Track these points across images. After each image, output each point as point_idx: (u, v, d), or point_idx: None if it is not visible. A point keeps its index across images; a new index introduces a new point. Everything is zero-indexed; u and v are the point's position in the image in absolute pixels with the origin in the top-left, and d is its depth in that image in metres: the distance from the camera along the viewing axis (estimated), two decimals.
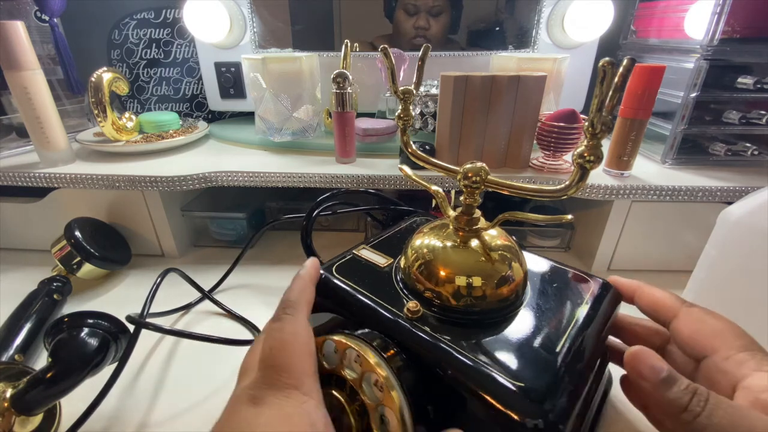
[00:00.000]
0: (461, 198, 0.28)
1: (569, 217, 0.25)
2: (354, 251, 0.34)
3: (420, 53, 0.29)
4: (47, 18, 0.61)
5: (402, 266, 0.30)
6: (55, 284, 0.45)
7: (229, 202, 0.61)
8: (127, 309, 0.36)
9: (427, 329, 0.25)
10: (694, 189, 0.46)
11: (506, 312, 0.27)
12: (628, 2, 0.62)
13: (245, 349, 0.26)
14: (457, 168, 0.28)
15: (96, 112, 0.55)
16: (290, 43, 0.67)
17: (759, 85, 0.47)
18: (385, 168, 0.52)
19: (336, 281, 0.30)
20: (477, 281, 0.26)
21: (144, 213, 0.54)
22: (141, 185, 0.50)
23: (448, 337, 0.24)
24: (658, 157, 0.54)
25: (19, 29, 0.46)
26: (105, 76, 0.54)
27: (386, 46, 0.30)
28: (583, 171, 0.22)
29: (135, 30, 0.72)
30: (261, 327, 0.35)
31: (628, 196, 0.47)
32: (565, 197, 0.24)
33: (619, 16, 0.60)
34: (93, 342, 0.30)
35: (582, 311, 0.27)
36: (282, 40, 0.67)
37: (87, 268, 0.48)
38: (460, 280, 0.26)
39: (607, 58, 0.20)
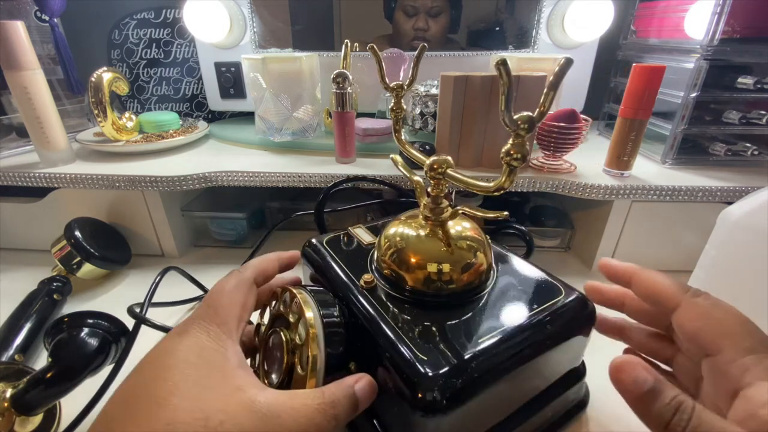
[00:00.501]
0: (429, 189, 0.30)
1: (505, 213, 0.26)
2: (350, 228, 0.37)
3: (416, 52, 0.32)
4: (47, 18, 0.61)
5: (376, 245, 0.33)
6: (55, 284, 0.45)
7: (229, 202, 0.61)
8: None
9: (372, 299, 0.28)
10: (694, 189, 0.46)
11: (455, 300, 0.28)
12: (628, 2, 0.62)
13: None
14: (425, 159, 0.30)
15: (96, 112, 0.55)
16: (290, 43, 0.67)
17: (759, 85, 0.47)
18: (385, 168, 0.52)
19: (321, 249, 0.35)
20: (432, 267, 0.28)
21: (144, 213, 0.54)
22: (141, 185, 0.50)
23: (385, 309, 0.27)
24: (658, 157, 0.54)
25: (19, 29, 0.46)
26: (105, 76, 0.54)
27: (373, 45, 0.32)
28: (511, 168, 0.24)
29: (135, 30, 0.72)
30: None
31: (628, 196, 0.47)
32: (497, 193, 0.25)
33: (619, 16, 0.60)
34: (93, 342, 0.30)
35: (532, 317, 0.27)
36: (282, 40, 0.67)
37: (87, 268, 0.48)
38: (417, 264, 0.28)
39: (499, 58, 0.21)
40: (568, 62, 0.21)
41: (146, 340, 0.40)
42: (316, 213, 0.47)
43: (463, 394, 0.23)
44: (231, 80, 0.68)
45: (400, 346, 0.24)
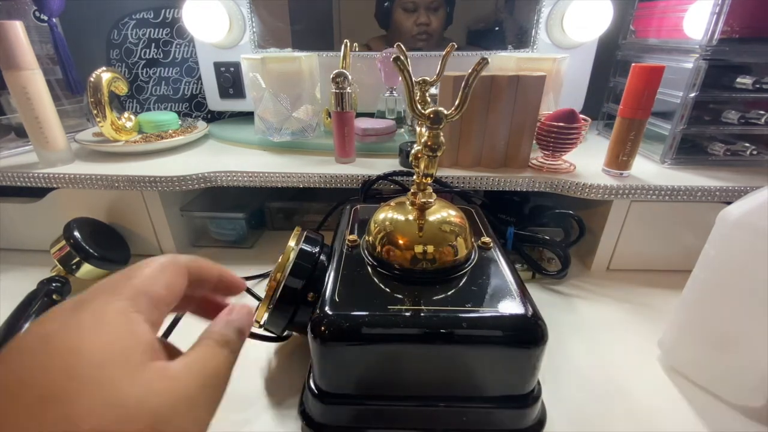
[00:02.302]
0: (414, 177, 0.33)
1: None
2: (383, 204, 0.40)
3: (444, 51, 0.38)
4: (46, 18, 0.61)
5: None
6: (54, 284, 0.45)
7: (229, 202, 0.61)
8: None
9: (345, 253, 0.35)
10: (693, 189, 0.46)
11: (409, 274, 0.31)
12: (627, 2, 0.62)
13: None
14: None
15: (95, 112, 0.55)
16: (289, 43, 0.67)
17: (758, 85, 0.47)
18: (385, 168, 0.52)
19: (347, 213, 0.43)
20: (402, 241, 0.31)
21: (143, 213, 0.54)
22: (140, 185, 0.50)
23: (348, 262, 0.33)
24: (658, 157, 0.54)
25: (17, 29, 0.46)
26: (104, 76, 0.54)
27: (400, 44, 0.36)
28: (429, 158, 0.28)
29: (134, 30, 0.72)
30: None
31: (627, 195, 0.47)
32: (427, 180, 0.30)
33: (619, 16, 0.60)
34: None
35: (467, 312, 0.28)
36: (281, 40, 0.67)
37: (86, 268, 0.48)
38: (388, 238, 0.32)
39: (394, 56, 0.24)
40: (484, 62, 0.24)
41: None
42: (362, 194, 0.51)
43: (345, 334, 0.27)
44: (230, 80, 0.68)
45: (331, 287, 0.30)
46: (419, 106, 0.27)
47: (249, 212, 0.59)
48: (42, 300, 0.43)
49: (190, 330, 0.42)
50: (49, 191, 0.54)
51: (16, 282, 0.49)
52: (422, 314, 0.28)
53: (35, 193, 0.54)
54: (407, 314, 0.28)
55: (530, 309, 0.28)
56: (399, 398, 0.29)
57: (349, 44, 0.58)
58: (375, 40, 0.67)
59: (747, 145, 0.51)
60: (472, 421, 0.29)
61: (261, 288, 0.49)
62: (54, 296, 0.44)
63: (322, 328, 0.27)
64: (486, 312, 0.28)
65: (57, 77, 0.65)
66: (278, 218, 0.64)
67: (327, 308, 0.28)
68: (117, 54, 0.73)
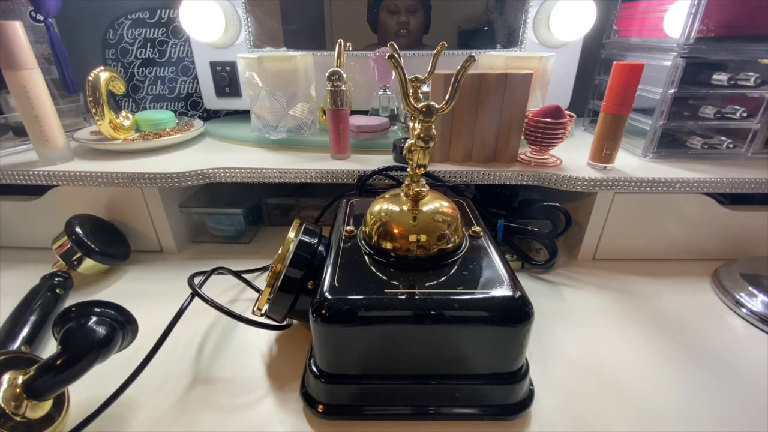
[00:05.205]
0: (408, 170, 0.35)
1: None
2: (378, 196, 0.41)
3: (434, 51, 0.39)
4: (41, 18, 0.61)
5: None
6: (56, 279, 0.46)
7: (226, 199, 0.62)
8: (129, 304, 0.36)
9: (342, 243, 0.36)
10: (672, 181, 0.48)
11: (405, 260, 0.33)
12: (610, 2, 0.64)
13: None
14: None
15: (94, 110, 0.56)
16: (283, 43, 0.69)
17: (732, 82, 0.49)
18: (379, 163, 0.53)
19: (343, 206, 0.45)
20: (395, 230, 0.33)
21: (143, 209, 0.55)
22: (140, 182, 0.51)
23: (346, 252, 0.35)
24: (640, 151, 0.56)
25: (17, 29, 0.47)
26: (102, 75, 0.55)
27: (394, 44, 0.37)
28: (423, 150, 0.30)
29: (130, 30, 0.72)
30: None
31: (611, 187, 0.49)
32: (420, 170, 0.33)
33: (602, 16, 0.63)
34: (101, 330, 0.31)
35: (459, 294, 0.30)
36: (276, 39, 0.68)
37: (88, 263, 0.49)
38: (383, 227, 0.34)
39: (388, 54, 0.26)
40: (471, 59, 0.25)
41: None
42: (358, 189, 0.52)
43: (344, 316, 0.29)
44: (226, 79, 0.69)
45: (330, 274, 0.32)
46: (413, 101, 0.29)
47: (246, 208, 0.60)
48: (45, 294, 0.44)
49: (191, 326, 0.43)
50: (48, 189, 0.55)
51: (17, 279, 0.50)
52: (416, 297, 0.29)
53: (34, 191, 0.55)
54: (402, 297, 0.29)
55: (517, 291, 0.30)
56: (395, 377, 0.31)
57: (342, 43, 0.60)
58: (369, 47, 0.69)
59: (723, 138, 0.54)
60: (464, 397, 0.31)
61: (259, 282, 0.51)
62: (57, 290, 0.45)
63: (323, 310, 0.29)
64: (476, 294, 0.30)
65: (53, 77, 0.65)
66: (275, 214, 0.66)
67: (327, 293, 0.30)
68: (113, 54, 0.74)
